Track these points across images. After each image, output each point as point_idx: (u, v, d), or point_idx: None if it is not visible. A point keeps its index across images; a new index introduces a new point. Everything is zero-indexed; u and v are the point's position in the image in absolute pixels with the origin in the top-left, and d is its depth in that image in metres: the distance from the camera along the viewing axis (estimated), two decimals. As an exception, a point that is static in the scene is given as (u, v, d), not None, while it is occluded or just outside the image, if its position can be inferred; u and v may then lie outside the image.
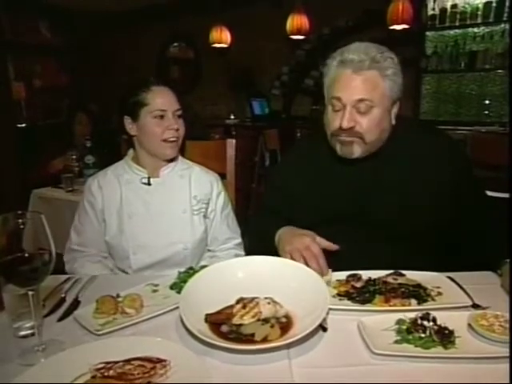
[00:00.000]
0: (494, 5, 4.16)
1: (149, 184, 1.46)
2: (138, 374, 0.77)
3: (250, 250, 1.45)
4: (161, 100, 1.40)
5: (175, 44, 6.49)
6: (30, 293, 0.84)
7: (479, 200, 1.32)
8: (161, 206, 1.45)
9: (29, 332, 0.92)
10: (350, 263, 1.14)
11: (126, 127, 1.45)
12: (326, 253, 1.21)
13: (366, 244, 1.23)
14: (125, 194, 1.46)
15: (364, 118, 1.16)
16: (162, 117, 1.39)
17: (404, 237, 1.23)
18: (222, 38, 4.94)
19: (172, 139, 1.42)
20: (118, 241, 1.42)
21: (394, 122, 1.23)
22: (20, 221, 0.83)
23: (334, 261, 1.15)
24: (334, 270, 1.14)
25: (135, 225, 1.43)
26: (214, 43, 4.99)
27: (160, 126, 1.39)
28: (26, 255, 0.83)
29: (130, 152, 1.53)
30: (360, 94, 1.14)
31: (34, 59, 5.81)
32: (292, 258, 1.12)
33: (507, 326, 0.85)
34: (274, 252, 1.20)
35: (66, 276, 1.25)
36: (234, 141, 1.79)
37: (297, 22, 4.42)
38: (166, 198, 1.46)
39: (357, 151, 1.21)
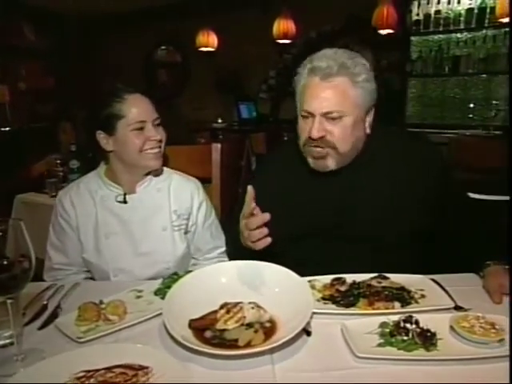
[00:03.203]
0: (475, 11, 4.24)
1: (125, 202, 1.37)
2: (120, 381, 0.76)
3: (230, 254, 1.41)
4: (138, 110, 1.28)
5: (163, 47, 6.48)
6: (9, 301, 0.83)
7: (460, 203, 1.32)
8: (139, 224, 1.37)
9: (8, 341, 0.90)
10: (334, 273, 1.13)
11: (101, 143, 1.32)
12: (311, 262, 1.20)
13: (348, 255, 1.22)
14: (100, 213, 1.36)
15: (335, 126, 1.13)
16: (141, 128, 1.29)
17: (386, 246, 1.23)
18: (208, 41, 4.94)
19: (155, 150, 1.32)
20: (97, 261, 1.35)
21: (368, 130, 1.20)
22: (-1, 228, 0.81)
23: (317, 272, 1.15)
24: None
25: (113, 246, 1.35)
26: (201, 47, 4.99)
27: (140, 137, 1.29)
28: (5, 262, 0.81)
29: (102, 165, 1.42)
30: (328, 107, 1.11)
31: (19, 62, 5.73)
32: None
33: (487, 327, 0.87)
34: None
35: (48, 283, 1.23)
36: (219, 145, 1.78)
37: (283, 27, 4.45)
38: (145, 216, 1.38)
39: (331, 164, 1.18)
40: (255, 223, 1.06)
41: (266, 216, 1.05)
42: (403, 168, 1.24)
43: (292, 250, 1.27)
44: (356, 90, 1.12)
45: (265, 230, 1.06)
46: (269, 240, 1.06)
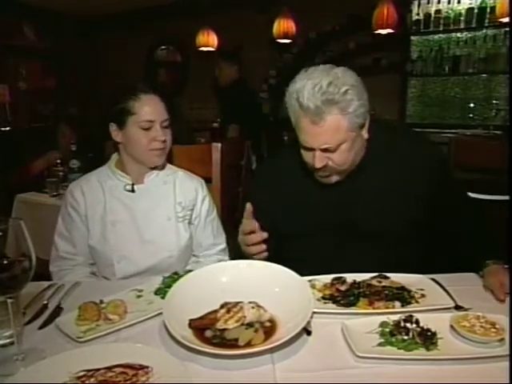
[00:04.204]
0: (475, 11, 4.23)
1: (133, 191, 1.43)
2: (120, 381, 0.76)
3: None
4: (149, 110, 1.36)
5: (163, 47, 6.47)
6: (9, 301, 0.83)
7: (460, 202, 1.33)
8: (145, 213, 1.43)
9: (8, 341, 0.90)
10: (336, 272, 1.15)
11: (112, 134, 1.41)
12: (314, 261, 1.22)
13: (352, 252, 1.23)
14: (108, 201, 1.42)
15: (334, 154, 1.15)
16: (149, 128, 1.36)
17: (389, 243, 1.24)
18: (208, 41, 4.92)
19: (159, 150, 1.39)
20: (102, 247, 1.39)
21: (366, 136, 1.21)
22: (-1, 227, 0.81)
23: (322, 270, 1.16)
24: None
25: (119, 233, 1.40)
26: (201, 47, 4.98)
27: (146, 136, 1.36)
28: (5, 262, 0.81)
29: (114, 157, 1.50)
30: (323, 144, 1.13)
31: (19, 62, 5.72)
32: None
33: (488, 326, 0.87)
34: None
35: (49, 282, 1.23)
36: (219, 145, 1.78)
37: (283, 26, 4.44)
38: (151, 205, 1.44)
39: (335, 179, 1.23)
40: (254, 240, 1.12)
41: (264, 234, 1.11)
42: (404, 166, 1.25)
43: (297, 248, 1.28)
44: (348, 119, 1.11)
45: (263, 247, 1.13)
46: (265, 254, 1.13)
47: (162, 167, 1.48)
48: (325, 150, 1.14)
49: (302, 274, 1.04)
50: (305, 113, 1.11)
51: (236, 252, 1.39)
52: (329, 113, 1.09)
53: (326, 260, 1.21)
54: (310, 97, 1.08)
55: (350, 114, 1.10)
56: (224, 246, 1.56)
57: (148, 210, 1.43)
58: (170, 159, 1.53)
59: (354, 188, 1.25)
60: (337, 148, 1.14)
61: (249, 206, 1.13)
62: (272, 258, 1.13)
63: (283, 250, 1.27)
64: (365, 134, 1.20)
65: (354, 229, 1.25)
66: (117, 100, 1.39)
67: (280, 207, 1.29)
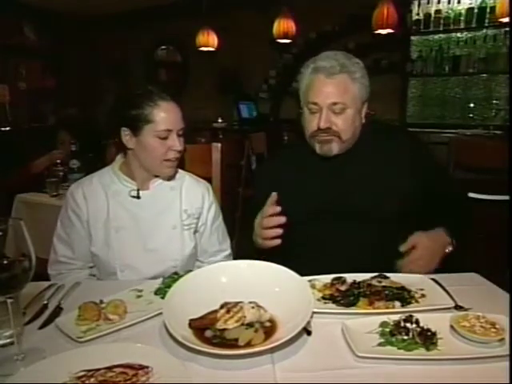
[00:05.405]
0: (475, 11, 4.23)
1: (138, 197, 1.38)
2: (120, 381, 0.76)
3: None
4: (168, 119, 1.30)
5: (163, 47, 6.48)
6: (9, 300, 0.83)
7: (444, 191, 1.40)
8: (150, 221, 1.38)
9: (8, 341, 0.90)
10: (335, 252, 1.22)
11: (123, 139, 1.34)
12: (314, 244, 1.31)
13: (350, 233, 1.29)
14: (112, 207, 1.37)
15: (339, 118, 1.28)
16: (166, 137, 1.31)
17: (383, 224, 1.29)
18: (209, 41, 4.93)
19: (173, 160, 1.35)
20: (105, 255, 1.36)
21: (363, 120, 1.35)
22: (-1, 227, 0.81)
23: (323, 250, 1.24)
24: (324, 260, 1.20)
25: (122, 240, 1.35)
26: (201, 47, 4.98)
27: (163, 146, 1.31)
28: (5, 262, 0.81)
29: (118, 159, 1.43)
30: (333, 98, 1.26)
31: (19, 61, 5.72)
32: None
33: (488, 326, 0.87)
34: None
35: (49, 282, 1.23)
36: (219, 144, 1.78)
37: (283, 26, 4.44)
38: (156, 213, 1.39)
39: (335, 148, 1.32)
40: (272, 223, 1.19)
41: (282, 219, 1.18)
42: (391, 156, 1.35)
43: (299, 232, 1.33)
44: (354, 84, 1.28)
45: (278, 231, 1.19)
46: (278, 241, 1.19)
47: (172, 177, 1.43)
48: (332, 109, 1.26)
49: (302, 274, 1.04)
50: (319, 71, 1.27)
51: (240, 252, 1.43)
52: (340, 72, 1.26)
53: (325, 240, 1.30)
54: (326, 59, 1.28)
55: (356, 80, 1.28)
56: (229, 251, 1.53)
57: (153, 218, 1.38)
58: (180, 161, 1.45)
59: (352, 173, 1.35)
60: (342, 111, 1.26)
61: (274, 194, 1.21)
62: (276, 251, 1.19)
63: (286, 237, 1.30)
64: (363, 116, 1.34)
65: (347, 210, 1.32)
66: (132, 104, 1.30)
67: (288, 192, 1.34)
